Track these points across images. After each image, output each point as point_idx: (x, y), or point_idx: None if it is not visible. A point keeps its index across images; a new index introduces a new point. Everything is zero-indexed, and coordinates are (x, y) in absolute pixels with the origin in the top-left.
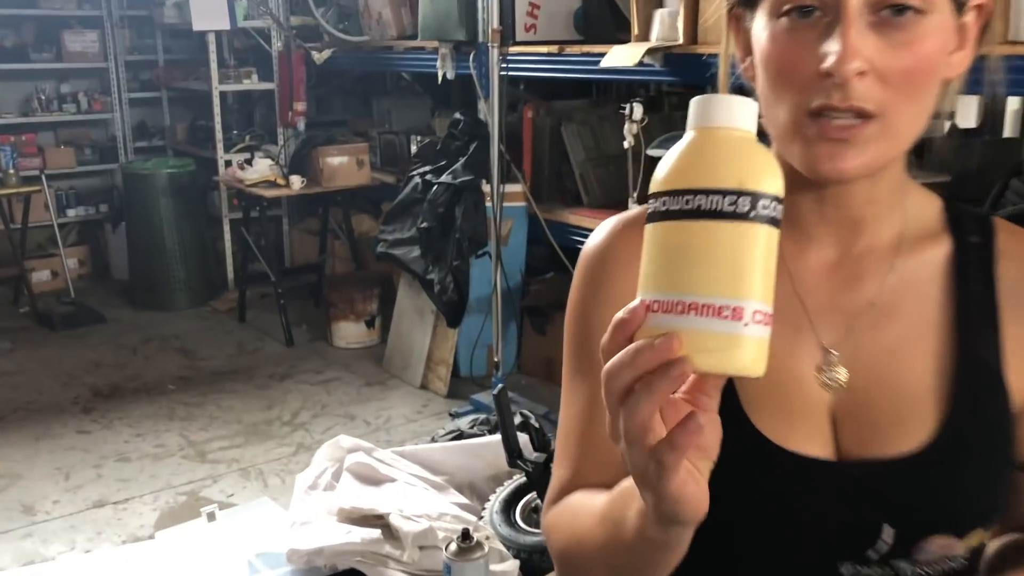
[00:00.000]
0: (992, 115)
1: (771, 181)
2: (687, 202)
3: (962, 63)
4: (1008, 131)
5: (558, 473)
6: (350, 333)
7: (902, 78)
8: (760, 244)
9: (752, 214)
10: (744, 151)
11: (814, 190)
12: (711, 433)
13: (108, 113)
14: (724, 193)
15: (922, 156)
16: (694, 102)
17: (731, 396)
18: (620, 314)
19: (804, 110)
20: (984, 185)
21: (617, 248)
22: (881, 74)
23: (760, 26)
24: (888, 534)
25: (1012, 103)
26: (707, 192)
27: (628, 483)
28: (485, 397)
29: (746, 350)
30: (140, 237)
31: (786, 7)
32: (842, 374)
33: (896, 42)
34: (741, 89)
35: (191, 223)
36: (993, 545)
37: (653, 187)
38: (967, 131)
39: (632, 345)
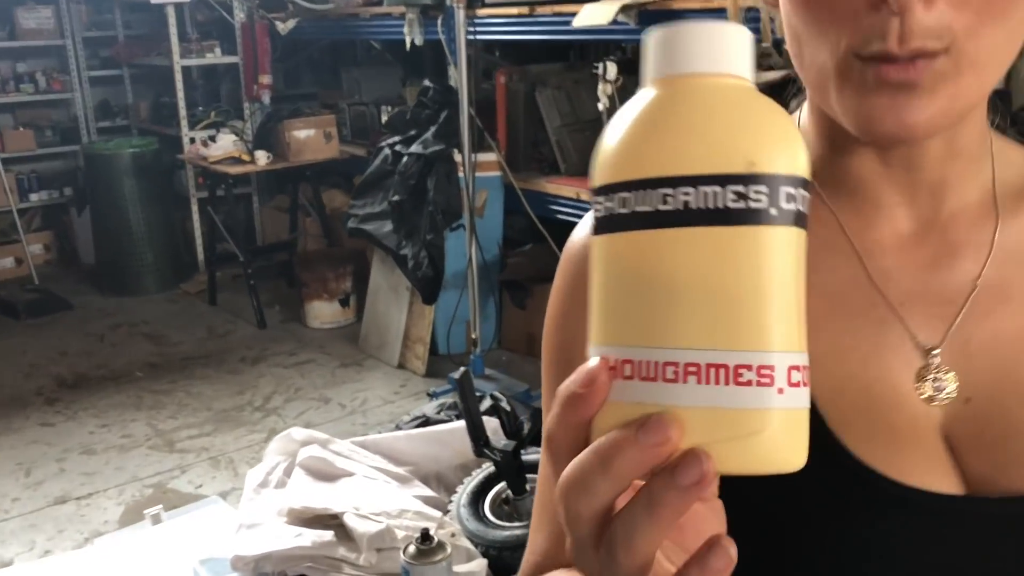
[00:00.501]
0: None
1: (792, 155)
2: (665, 199)
3: None
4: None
5: (534, 540)
6: (324, 313)
7: (983, 1)
8: (787, 258)
9: (772, 211)
10: (748, 110)
11: (874, 149)
12: (721, 552)
13: (68, 93)
14: (726, 181)
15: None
16: (654, 38)
17: (816, 420)
18: (572, 383)
19: (847, 48)
20: None
21: None
22: None
23: None
24: None
25: None
26: (698, 181)
27: None
28: (448, 399)
29: (782, 433)
30: (105, 220)
31: None
32: (951, 384)
33: None
34: None
35: (158, 204)
36: None
37: (601, 176)
38: None
39: (601, 441)
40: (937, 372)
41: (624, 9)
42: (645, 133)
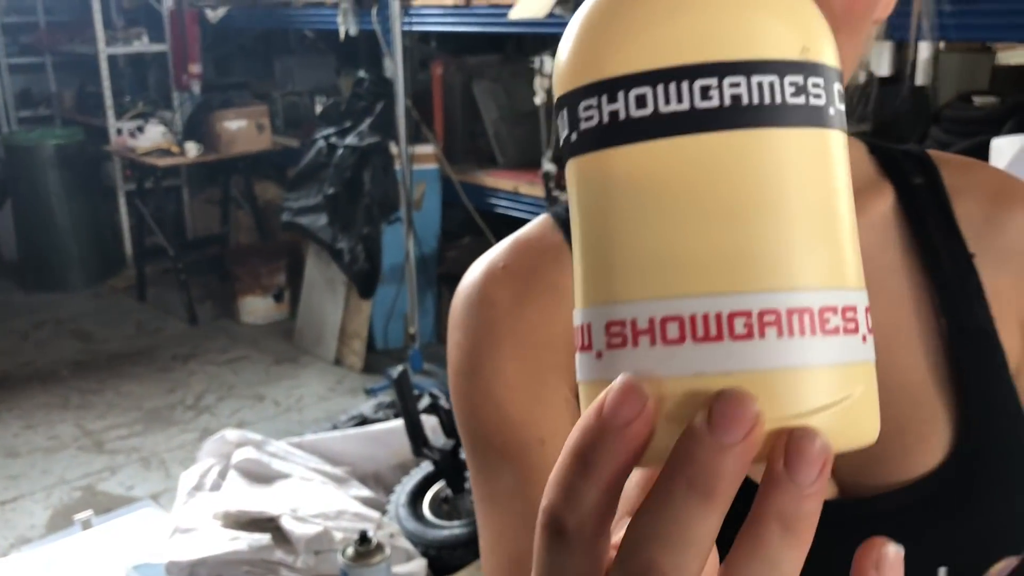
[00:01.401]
0: (903, 63)
1: (834, 46)
2: (706, 93)
3: (890, 4)
4: (920, 79)
5: None
6: (257, 308)
7: (844, 8)
8: (848, 174)
9: (830, 110)
10: None
11: None
12: None
13: None
14: (785, 69)
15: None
16: None
17: None
18: (590, 427)
19: None
20: (903, 134)
21: (502, 291)
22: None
23: None
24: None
25: (923, 50)
26: (750, 68)
27: None
28: (387, 398)
29: (870, 393)
30: (28, 214)
31: None
32: None
33: None
34: None
35: (83, 197)
36: None
37: (591, 71)
38: (883, 80)
39: (665, 472)
40: None
41: (561, 2)
42: (664, 9)
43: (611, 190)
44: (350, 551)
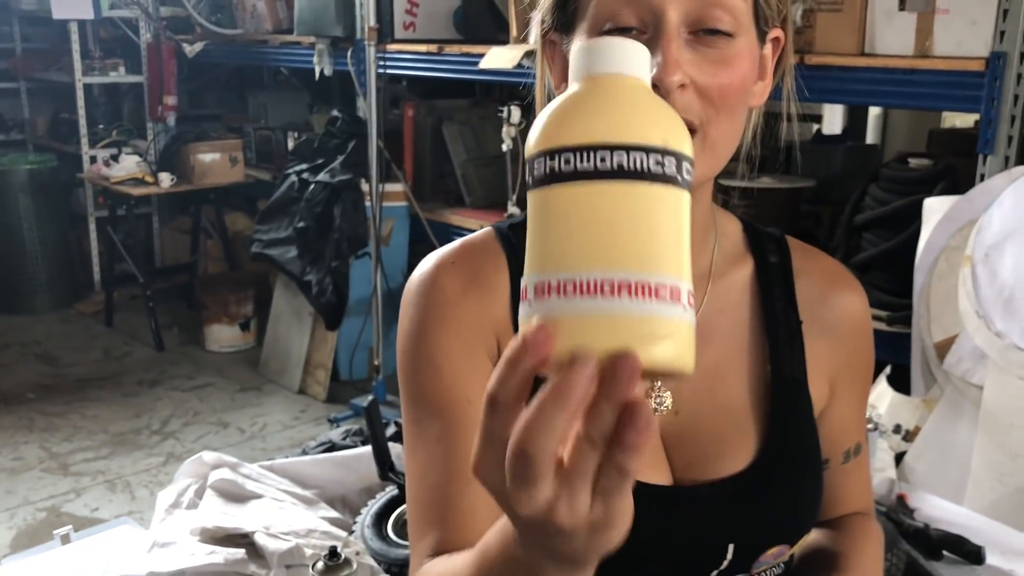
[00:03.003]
0: (856, 121)
1: (688, 142)
2: (603, 160)
3: (763, 93)
4: (870, 138)
5: (420, 544)
6: (224, 336)
7: (719, 94)
8: (687, 213)
9: (679, 179)
10: (660, 106)
11: None
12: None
13: None
14: (649, 151)
15: (789, 161)
16: (588, 47)
17: None
18: (519, 341)
19: None
20: (846, 189)
21: (448, 281)
22: (700, 89)
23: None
24: (729, 552)
25: (873, 110)
26: (632, 149)
27: (504, 528)
28: (365, 401)
29: (686, 337)
30: None
31: (606, 26)
32: (667, 400)
33: (711, 59)
34: None
35: (53, 222)
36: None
37: (544, 142)
38: (830, 137)
39: (556, 383)
40: (658, 392)
41: (528, 55)
42: (584, 112)
43: (547, 209)
44: (320, 565)
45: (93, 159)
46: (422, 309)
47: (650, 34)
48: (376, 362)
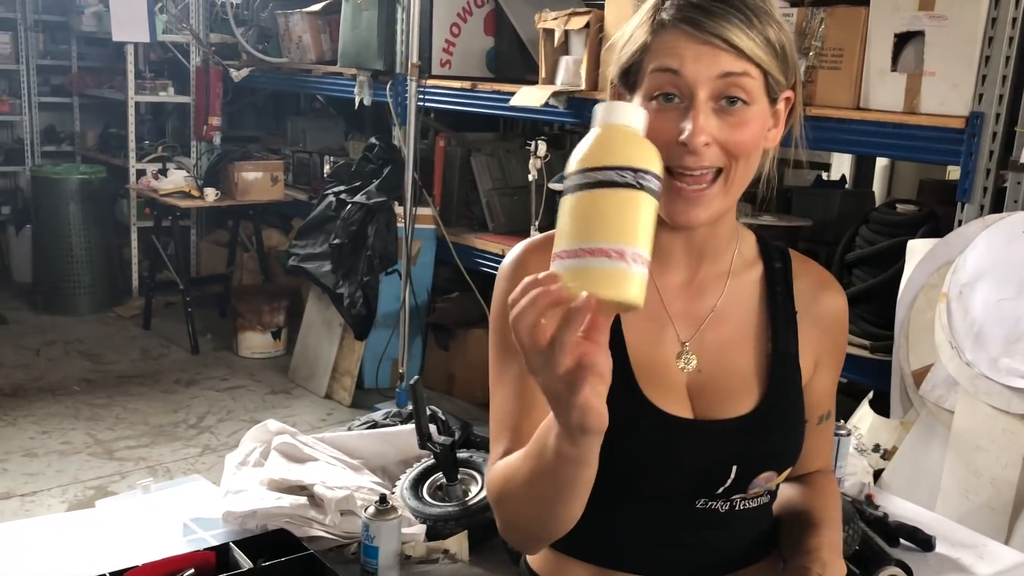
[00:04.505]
0: (864, 170)
1: (651, 162)
2: (588, 177)
3: (776, 137)
4: (876, 185)
5: (496, 449)
6: (256, 343)
7: (736, 148)
8: (640, 206)
9: (635, 184)
10: (632, 140)
11: (671, 229)
12: (604, 360)
13: (16, 116)
14: (615, 169)
15: (790, 203)
16: (599, 107)
17: (629, 375)
18: (532, 276)
19: (667, 166)
20: (840, 230)
21: (528, 261)
22: (722, 144)
23: (637, 103)
24: (733, 472)
25: (880, 160)
26: (603, 169)
27: (546, 421)
28: (388, 407)
29: (631, 283)
30: (46, 241)
31: (656, 93)
32: (693, 361)
33: (730, 123)
34: None
35: (99, 229)
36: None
37: (568, 170)
38: (829, 183)
39: (534, 292)
40: (687, 354)
41: (555, 95)
42: (588, 148)
43: (563, 208)
44: (371, 509)
45: (141, 172)
46: (509, 279)
47: (686, 104)
48: (401, 370)
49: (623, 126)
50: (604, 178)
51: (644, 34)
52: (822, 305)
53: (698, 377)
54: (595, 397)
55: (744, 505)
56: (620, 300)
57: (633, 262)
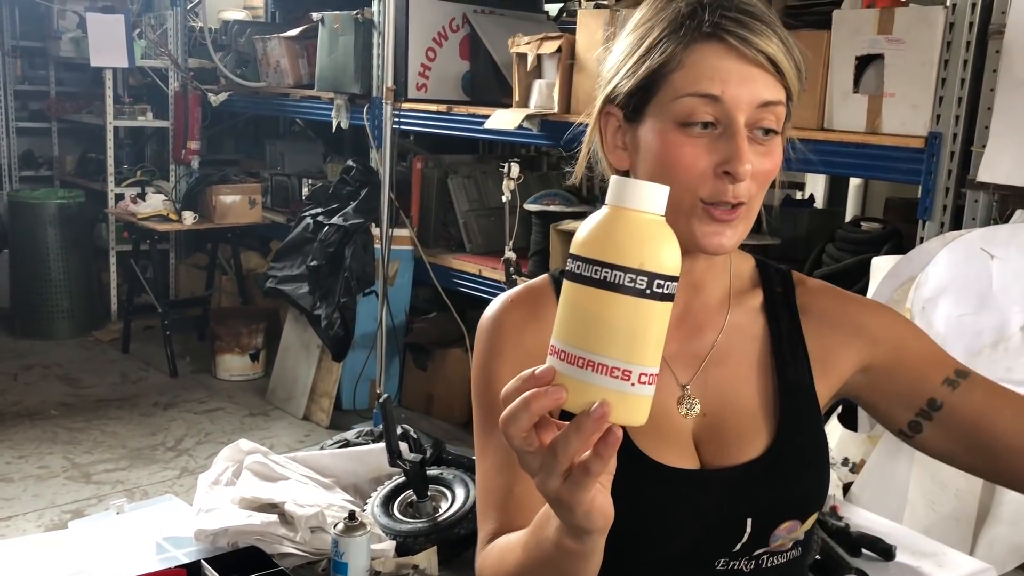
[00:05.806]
0: (837, 190)
1: (669, 262)
2: (595, 272)
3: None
4: (850, 205)
5: (484, 528)
6: (234, 365)
7: (763, 177)
8: (653, 317)
9: (648, 292)
10: (649, 234)
11: None
12: (610, 457)
13: None
14: (626, 271)
15: (759, 222)
16: (613, 180)
17: (623, 432)
18: (530, 371)
19: (697, 196)
20: (808, 248)
21: (510, 318)
22: (754, 174)
23: (653, 130)
24: (748, 525)
25: (854, 181)
26: (612, 267)
27: (544, 509)
28: (365, 428)
29: (630, 405)
30: (24, 265)
31: (692, 121)
32: (696, 406)
33: (760, 152)
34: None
35: (78, 253)
36: None
37: (573, 248)
38: (798, 202)
39: (527, 393)
40: (689, 399)
41: (528, 118)
42: (595, 233)
43: (566, 296)
44: (340, 526)
45: (119, 196)
46: (489, 340)
47: (721, 130)
48: (379, 391)
49: (640, 212)
50: (613, 280)
51: (670, 45)
52: (836, 311)
53: (703, 422)
54: (600, 495)
55: (772, 562)
56: (620, 423)
57: (640, 383)
